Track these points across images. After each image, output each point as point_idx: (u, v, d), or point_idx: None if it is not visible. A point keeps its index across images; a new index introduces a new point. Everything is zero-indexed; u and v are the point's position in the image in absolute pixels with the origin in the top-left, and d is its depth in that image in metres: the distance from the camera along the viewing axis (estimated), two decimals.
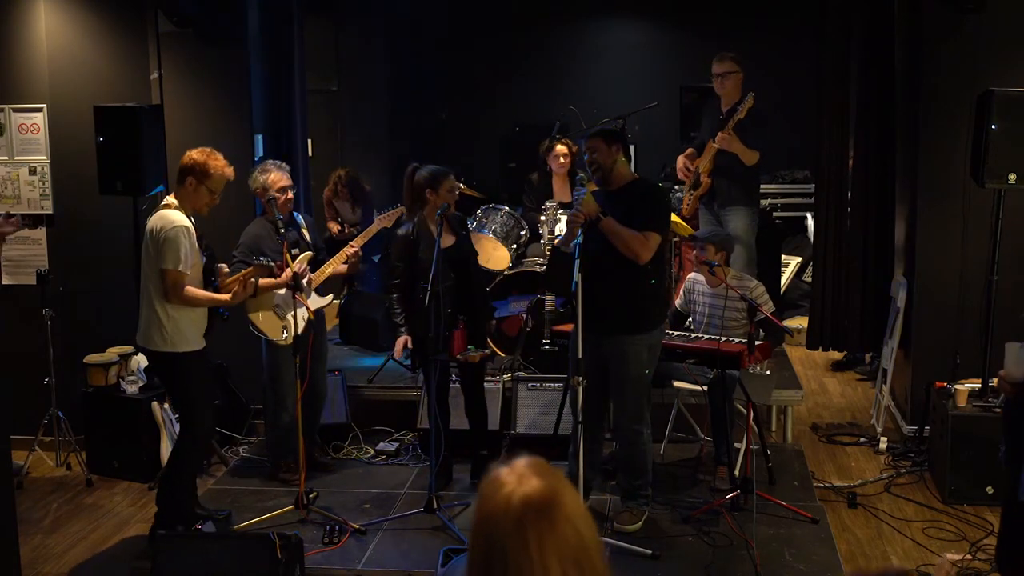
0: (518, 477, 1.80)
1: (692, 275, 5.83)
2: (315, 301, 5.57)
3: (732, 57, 6.52)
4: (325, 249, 5.82)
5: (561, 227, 6.33)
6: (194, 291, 4.76)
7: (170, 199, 4.82)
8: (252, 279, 4.85)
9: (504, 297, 6.81)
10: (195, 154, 4.81)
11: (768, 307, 5.40)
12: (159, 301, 4.73)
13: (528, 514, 1.75)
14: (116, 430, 6.05)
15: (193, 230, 4.75)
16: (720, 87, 6.55)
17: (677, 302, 5.88)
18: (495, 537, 1.76)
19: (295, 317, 5.11)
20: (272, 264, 5.06)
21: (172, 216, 4.72)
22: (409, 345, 5.40)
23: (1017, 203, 5.68)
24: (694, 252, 5.59)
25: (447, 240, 5.35)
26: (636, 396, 4.94)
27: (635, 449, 5.01)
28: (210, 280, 4.90)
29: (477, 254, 5.69)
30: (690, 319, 5.82)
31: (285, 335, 5.37)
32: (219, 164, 4.81)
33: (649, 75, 9.83)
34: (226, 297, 4.83)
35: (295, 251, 5.40)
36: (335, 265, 5.62)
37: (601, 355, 4.89)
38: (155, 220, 4.75)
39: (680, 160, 6.80)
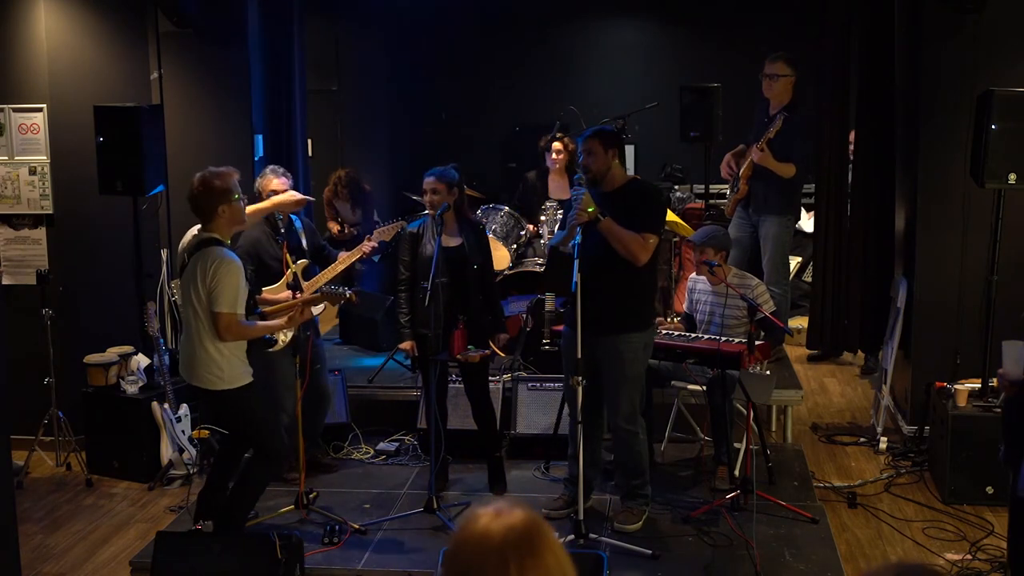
0: (496, 511, 1.80)
1: (693, 275, 5.83)
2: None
3: (784, 58, 6.37)
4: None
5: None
6: (249, 327, 4.60)
7: (210, 233, 4.53)
8: (309, 305, 4.80)
9: (504, 297, 6.81)
10: (203, 184, 4.49)
11: (768, 307, 5.40)
12: (211, 340, 4.53)
13: (510, 545, 1.75)
14: (116, 430, 6.06)
15: (241, 266, 4.55)
16: (768, 88, 6.43)
17: (684, 306, 5.87)
18: (473, 569, 1.76)
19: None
20: (348, 293, 4.93)
21: (220, 255, 4.47)
22: (415, 351, 5.37)
23: (1017, 203, 5.68)
24: (695, 252, 5.59)
25: (449, 241, 5.35)
26: (630, 396, 4.93)
27: (631, 451, 5.00)
28: (251, 307, 4.76)
29: (483, 260, 5.45)
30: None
31: (275, 345, 5.33)
32: (225, 177, 4.55)
33: (649, 75, 9.82)
34: (282, 322, 4.72)
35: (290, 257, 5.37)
36: (327, 276, 5.60)
37: (596, 355, 4.87)
38: (203, 259, 4.48)
39: (726, 157, 6.74)
